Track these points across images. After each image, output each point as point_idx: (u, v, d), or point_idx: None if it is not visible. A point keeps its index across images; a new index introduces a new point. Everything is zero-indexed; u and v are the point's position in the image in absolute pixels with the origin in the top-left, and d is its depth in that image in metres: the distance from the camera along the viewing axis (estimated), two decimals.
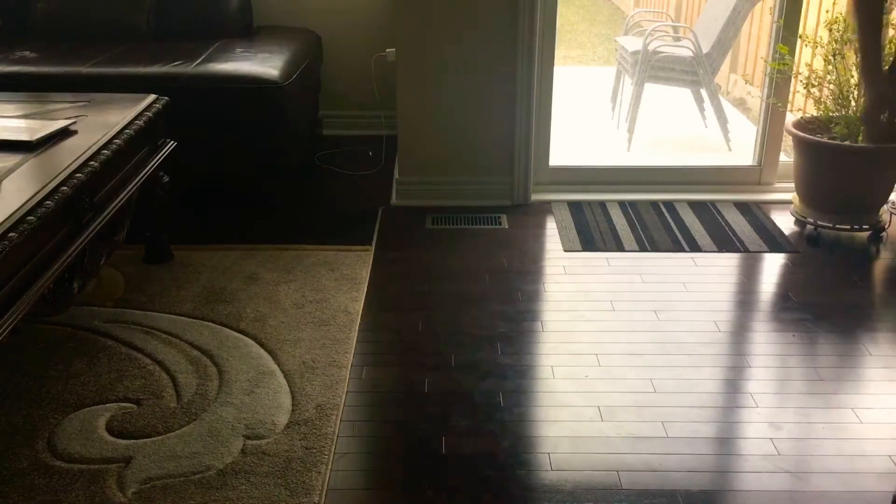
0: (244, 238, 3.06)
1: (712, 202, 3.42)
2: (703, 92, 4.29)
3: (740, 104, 5.02)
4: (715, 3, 4.36)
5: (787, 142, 3.40)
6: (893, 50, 2.96)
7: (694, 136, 4.40)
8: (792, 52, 3.26)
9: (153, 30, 3.70)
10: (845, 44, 3.04)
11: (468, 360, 2.37)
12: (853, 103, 3.06)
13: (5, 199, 1.94)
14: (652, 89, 4.37)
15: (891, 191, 3.14)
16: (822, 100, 3.14)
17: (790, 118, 3.30)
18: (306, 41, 3.77)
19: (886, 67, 2.94)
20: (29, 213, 1.89)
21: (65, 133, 2.37)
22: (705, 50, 4.16)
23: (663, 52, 4.24)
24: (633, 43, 4.45)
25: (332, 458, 1.96)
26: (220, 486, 1.86)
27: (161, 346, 2.39)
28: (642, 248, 3.03)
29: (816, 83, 3.13)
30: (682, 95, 4.54)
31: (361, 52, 3.98)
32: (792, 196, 3.28)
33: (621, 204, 3.40)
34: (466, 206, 3.36)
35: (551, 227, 3.22)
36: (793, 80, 3.32)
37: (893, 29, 3.03)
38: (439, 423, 2.10)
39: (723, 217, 3.29)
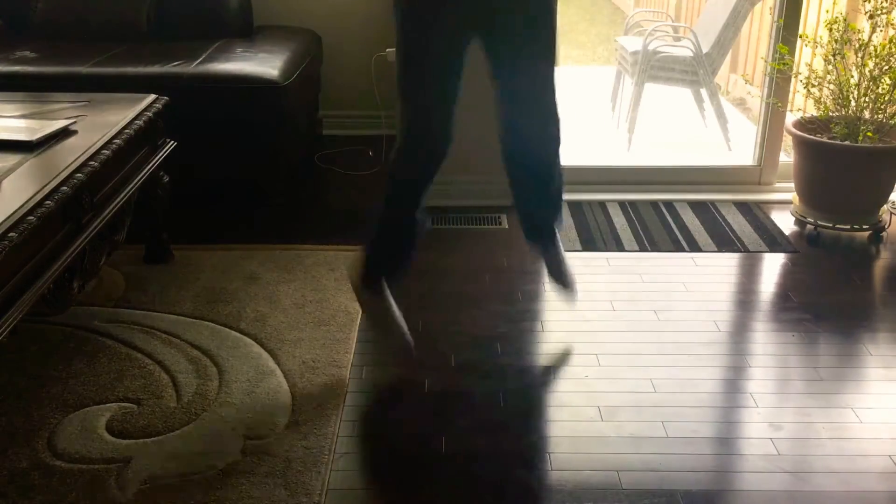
0: (244, 238, 3.06)
1: (712, 202, 3.42)
2: (703, 92, 4.29)
3: (740, 104, 5.02)
4: (715, 3, 4.36)
5: (787, 142, 3.40)
6: (894, 50, 2.96)
7: (694, 136, 4.40)
8: (792, 52, 3.26)
9: (153, 30, 3.69)
10: (845, 44, 3.04)
11: (468, 360, 2.36)
12: (853, 103, 3.06)
13: (5, 199, 1.94)
14: (652, 89, 4.37)
15: (891, 191, 3.14)
16: (822, 100, 3.14)
17: (790, 118, 3.30)
18: (306, 41, 3.77)
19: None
20: (29, 213, 1.88)
21: (65, 133, 2.37)
22: (705, 50, 4.16)
23: (663, 52, 4.24)
24: (633, 43, 4.45)
25: (332, 458, 1.96)
26: (220, 486, 1.86)
27: (161, 346, 2.39)
28: (642, 248, 3.02)
29: (816, 83, 3.13)
30: (682, 95, 4.54)
31: (361, 52, 3.97)
32: (792, 196, 3.28)
33: (621, 204, 3.40)
34: (466, 205, 3.35)
35: None
36: (793, 80, 3.32)
37: (893, 28, 3.03)
38: (439, 423, 2.10)
39: (723, 217, 3.29)
